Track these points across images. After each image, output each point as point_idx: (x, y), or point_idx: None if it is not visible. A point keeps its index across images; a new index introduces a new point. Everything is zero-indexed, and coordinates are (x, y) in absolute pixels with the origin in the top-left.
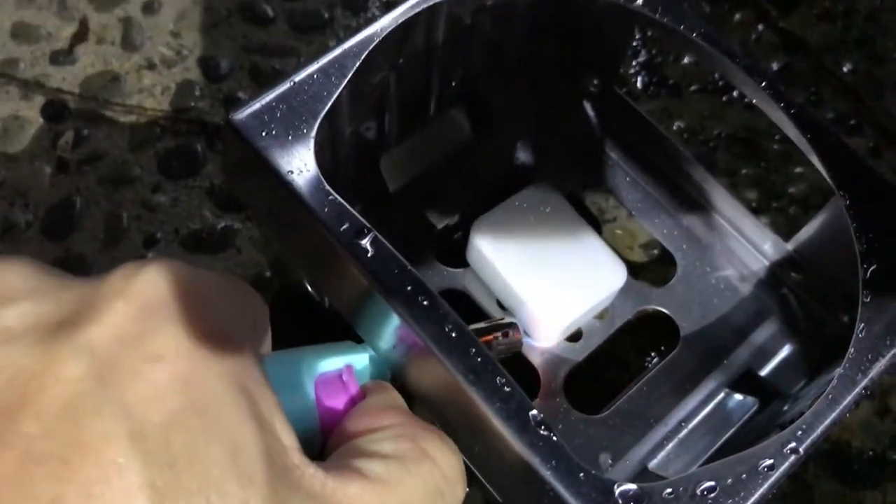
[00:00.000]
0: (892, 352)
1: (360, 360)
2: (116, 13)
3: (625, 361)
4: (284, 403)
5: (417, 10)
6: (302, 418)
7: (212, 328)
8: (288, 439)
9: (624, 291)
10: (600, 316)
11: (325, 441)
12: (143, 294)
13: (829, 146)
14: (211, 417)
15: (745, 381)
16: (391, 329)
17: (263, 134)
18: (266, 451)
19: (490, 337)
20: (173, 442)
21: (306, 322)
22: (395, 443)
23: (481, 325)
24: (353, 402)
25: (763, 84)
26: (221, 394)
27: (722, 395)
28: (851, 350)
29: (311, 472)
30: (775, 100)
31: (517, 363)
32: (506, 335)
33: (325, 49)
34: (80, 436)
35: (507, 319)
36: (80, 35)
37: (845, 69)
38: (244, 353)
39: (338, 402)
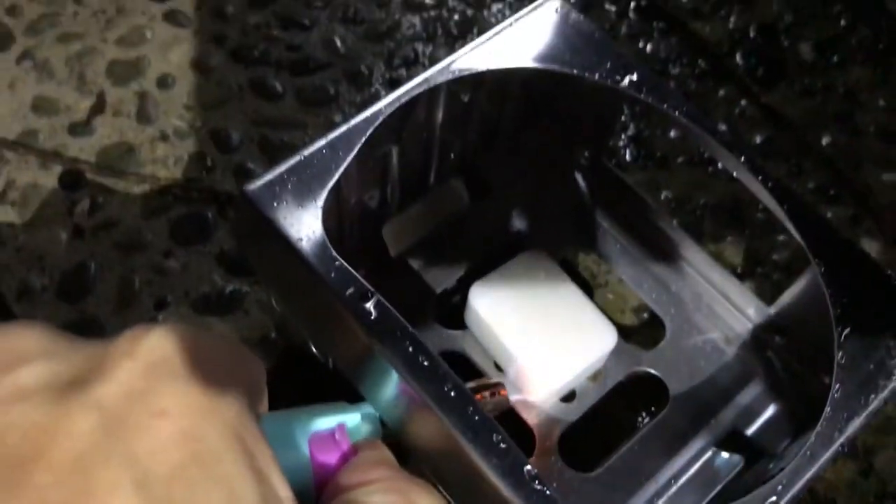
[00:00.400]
0: (867, 410)
1: (352, 419)
2: (132, 87)
3: (617, 421)
4: (280, 459)
5: (419, 89)
6: (296, 473)
7: (212, 386)
8: (283, 491)
9: (616, 353)
10: (593, 377)
11: (319, 495)
12: (149, 354)
13: (805, 217)
14: (211, 469)
15: (731, 439)
16: (393, 388)
17: (275, 204)
18: (262, 501)
19: (478, 396)
20: (175, 491)
21: (310, 382)
22: (385, 495)
23: (470, 384)
24: (346, 458)
25: (742, 158)
26: (221, 447)
27: (710, 453)
28: (828, 409)
29: None
30: (754, 173)
31: (513, 423)
32: (493, 394)
33: (332, 124)
34: (88, 485)
35: (495, 380)
36: (98, 108)
37: (825, 142)
38: (242, 409)
39: (331, 458)
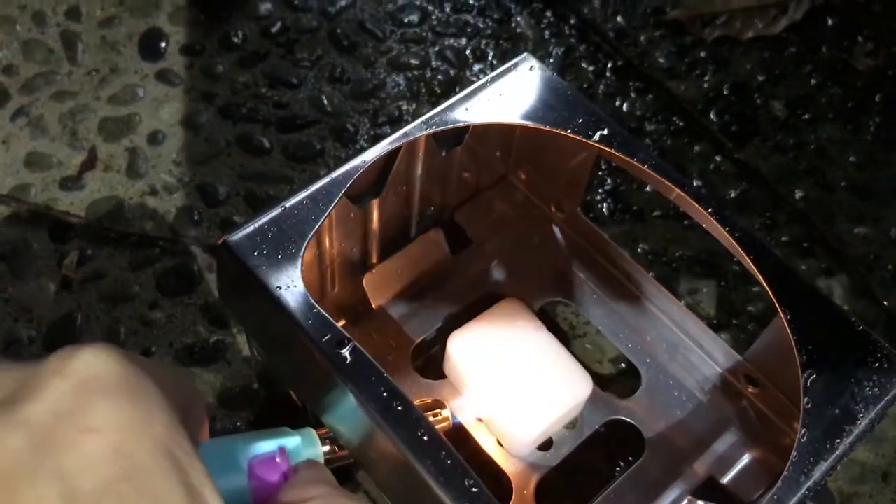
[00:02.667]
0: (833, 455)
1: (292, 441)
2: (123, 143)
3: (594, 469)
4: (220, 481)
5: (398, 143)
6: (236, 495)
7: (143, 403)
8: None
9: (592, 402)
10: (570, 425)
11: None
12: (79, 372)
13: (771, 266)
14: (141, 484)
15: (707, 488)
16: (369, 434)
17: (255, 254)
18: None
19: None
20: None
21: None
22: None
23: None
24: (286, 478)
25: (710, 210)
26: (151, 462)
27: (685, 502)
28: (794, 454)
29: None
30: (721, 224)
31: (491, 471)
32: (435, 415)
33: (315, 177)
34: (15, 501)
35: (437, 400)
36: (89, 163)
37: (797, 196)
38: (174, 426)
39: (271, 478)
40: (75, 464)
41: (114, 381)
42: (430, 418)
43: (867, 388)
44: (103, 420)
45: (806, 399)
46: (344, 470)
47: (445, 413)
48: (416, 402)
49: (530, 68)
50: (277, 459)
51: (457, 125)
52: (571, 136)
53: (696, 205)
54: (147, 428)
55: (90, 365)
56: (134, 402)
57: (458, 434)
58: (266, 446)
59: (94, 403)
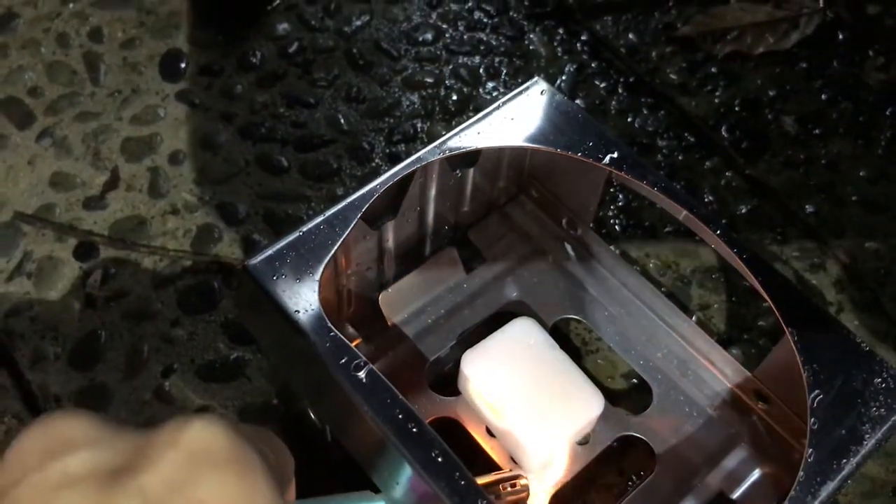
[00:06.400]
0: (841, 475)
1: None
2: (145, 163)
3: (606, 484)
4: None
5: (413, 167)
6: None
7: (248, 477)
8: None
9: (604, 418)
10: (583, 441)
11: None
12: (190, 444)
13: (779, 287)
14: None
15: (717, 503)
16: (385, 455)
17: (274, 277)
18: None
19: (497, 487)
20: None
21: (311, 448)
22: None
23: (490, 477)
24: None
25: (718, 231)
26: None
27: None
28: (801, 474)
29: None
30: (729, 245)
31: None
32: (513, 486)
33: (335, 197)
34: None
35: (515, 471)
36: (112, 183)
37: (808, 211)
38: (274, 499)
39: None
40: None
41: (222, 454)
42: (508, 489)
43: (874, 409)
44: (212, 493)
45: (813, 419)
46: None
47: (524, 482)
48: (495, 476)
49: (541, 92)
50: None
51: (468, 149)
52: (582, 159)
53: (705, 226)
54: (253, 500)
55: (201, 437)
56: (240, 476)
57: (472, 450)
58: None
59: (203, 476)
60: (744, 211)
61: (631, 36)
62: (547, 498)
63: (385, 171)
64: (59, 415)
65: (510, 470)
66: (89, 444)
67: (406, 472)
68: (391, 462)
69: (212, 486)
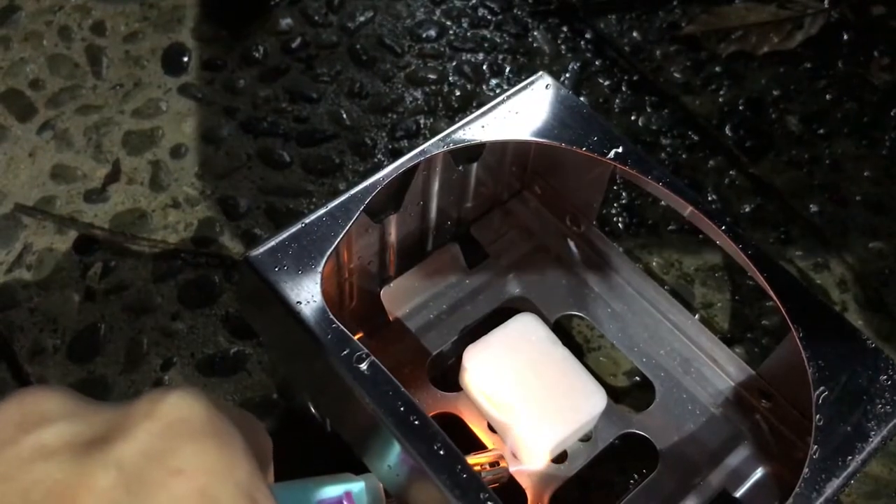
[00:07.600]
0: (846, 472)
1: (356, 486)
2: (147, 156)
3: (608, 482)
4: None
5: (416, 161)
6: None
7: (227, 448)
8: None
9: (607, 415)
10: (585, 438)
11: None
12: (167, 415)
13: (784, 284)
14: None
15: (720, 501)
16: (386, 448)
17: (276, 269)
18: None
19: (477, 467)
20: None
21: (310, 442)
22: None
23: (470, 456)
24: None
25: (723, 228)
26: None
27: None
28: (806, 470)
29: None
30: (734, 241)
31: (506, 483)
32: (493, 465)
33: (337, 192)
34: None
35: (494, 450)
36: (113, 176)
37: (812, 211)
38: (254, 471)
39: None
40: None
41: (200, 424)
42: (487, 467)
43: (879, 406)
44: (190, 462)
45: (818, 416)
46: None
47: (504, 464)
48: (475, 454)
49: (546, 86)
50: (344, 503)
51: (472, 142)
52: (586, 153)
53: (710, 222)
54: (231, 472)
55: (177, 408)
56: (219, 447)
57: (474, 446)
58: (333, 491)
59: (181, 446)
60: (747, 210)
61: (635, 34)
62: (548, 495)
63: (388, 166)
64: (33, 389)
65: (490, 451)
66: (64, 417)
67: (407, 465)
68: (392, 455)
69: (190, 455)
